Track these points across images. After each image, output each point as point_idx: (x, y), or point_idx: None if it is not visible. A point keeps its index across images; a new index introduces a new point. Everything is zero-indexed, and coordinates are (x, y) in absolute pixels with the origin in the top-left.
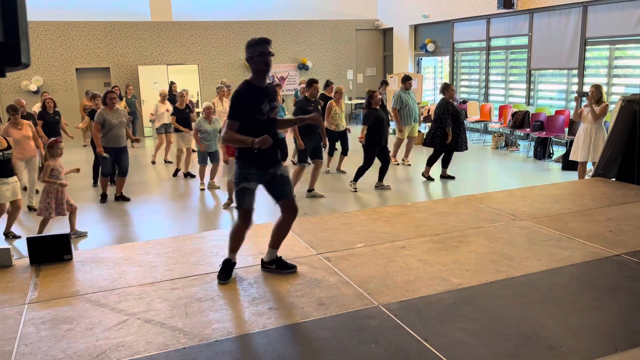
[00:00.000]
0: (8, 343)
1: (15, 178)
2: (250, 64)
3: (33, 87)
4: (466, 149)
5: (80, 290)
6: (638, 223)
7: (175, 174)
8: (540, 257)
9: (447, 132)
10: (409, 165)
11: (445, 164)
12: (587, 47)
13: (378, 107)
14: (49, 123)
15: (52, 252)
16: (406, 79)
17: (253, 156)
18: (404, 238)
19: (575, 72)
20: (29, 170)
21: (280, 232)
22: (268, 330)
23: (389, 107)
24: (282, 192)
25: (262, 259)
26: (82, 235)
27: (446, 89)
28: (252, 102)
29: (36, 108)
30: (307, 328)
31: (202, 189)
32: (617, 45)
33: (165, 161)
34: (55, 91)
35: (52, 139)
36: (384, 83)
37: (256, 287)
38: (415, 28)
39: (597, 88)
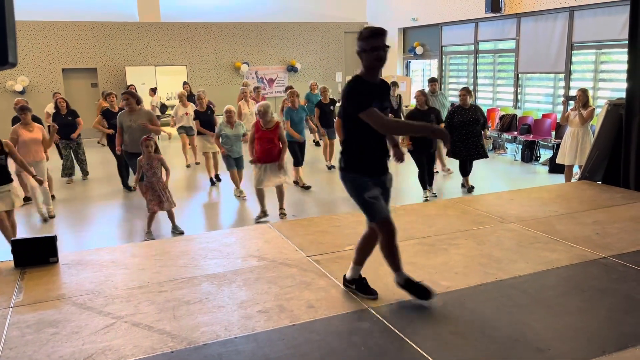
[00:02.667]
0: None
1: (9, 187)
2: (361, 58)
3: (18, 88)
4: (473, 157)
5: (66, 293)
6: (624, 226)
7: (212, 183)
8: (528, 260)
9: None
10: (452, 173)
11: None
12: (574, 52)
13: (425, 108)
14: (60, 125)
15: (37, 254)
16: (431, 81)
17: (362, 165)
18: None
19: (561, 76)
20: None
21: (366, 248)
22: (257, 333)
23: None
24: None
25: (344, 275)
26: (181, 232)
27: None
28: (373, 99)
29: (49, 109)
30: (296, 331)
31: (237, 196)
32: (603, 50)
33: (187, 166)
34: (41, 92)
35: (144, 136)
36: (394, 84)
37: (245, 290)
38: (404, 31)
39: (583, 92)
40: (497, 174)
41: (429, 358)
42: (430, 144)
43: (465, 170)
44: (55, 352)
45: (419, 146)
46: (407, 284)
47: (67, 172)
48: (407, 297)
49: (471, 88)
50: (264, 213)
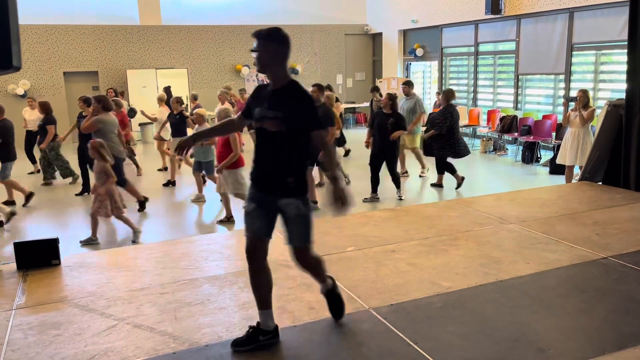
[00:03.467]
0: None
1: None
2: None
3: (20, 91)
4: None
5: (68, 295)
6: (624, 226)
7: (165, 185)
8: (528, 260)
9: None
10: (407, 176)
11: (449, 172)
12: (574, 53)
13: (389, 111)
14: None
15: (39, 257)
16: (404, 84)
17: (251, 174)
18: (394, 242)
19: (562, 77)
20: None
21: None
22: None
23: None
24: (286, 232)
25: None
26: (92, 243)
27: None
28: (251, 102)
29: (23, 112)
30: (297, 332)
31: (192, 200)
32: (603, 51)
33: (159, 169)
34: (42, 95)
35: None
36: (376, 89)
37: (246, 292)
38: (404, 33)
39: (584, 93)
40: (498, 175)
41: (430, 358)
42: (390, 146)
43: (438, 167)
44: (58, 354)
45: (374, 148)
46: (256, 328)
47: (44, 175)
48: (407, 298)
49: (471, 89)
50: (227, 218)
